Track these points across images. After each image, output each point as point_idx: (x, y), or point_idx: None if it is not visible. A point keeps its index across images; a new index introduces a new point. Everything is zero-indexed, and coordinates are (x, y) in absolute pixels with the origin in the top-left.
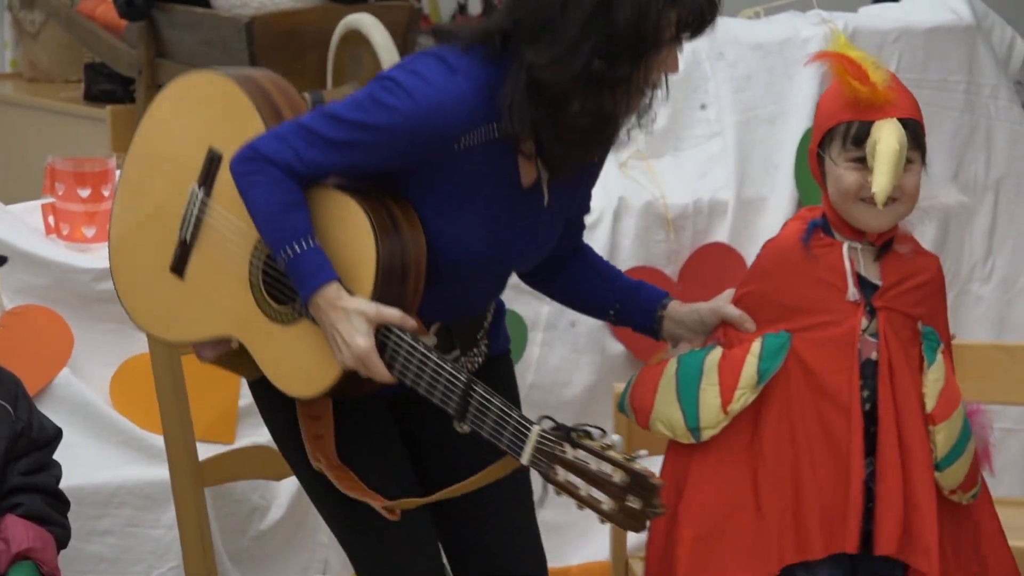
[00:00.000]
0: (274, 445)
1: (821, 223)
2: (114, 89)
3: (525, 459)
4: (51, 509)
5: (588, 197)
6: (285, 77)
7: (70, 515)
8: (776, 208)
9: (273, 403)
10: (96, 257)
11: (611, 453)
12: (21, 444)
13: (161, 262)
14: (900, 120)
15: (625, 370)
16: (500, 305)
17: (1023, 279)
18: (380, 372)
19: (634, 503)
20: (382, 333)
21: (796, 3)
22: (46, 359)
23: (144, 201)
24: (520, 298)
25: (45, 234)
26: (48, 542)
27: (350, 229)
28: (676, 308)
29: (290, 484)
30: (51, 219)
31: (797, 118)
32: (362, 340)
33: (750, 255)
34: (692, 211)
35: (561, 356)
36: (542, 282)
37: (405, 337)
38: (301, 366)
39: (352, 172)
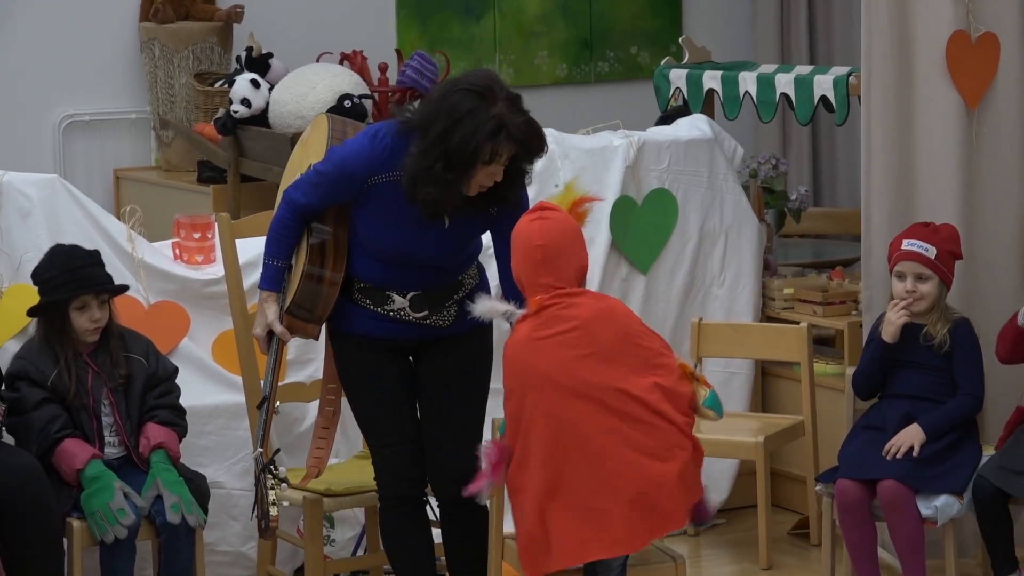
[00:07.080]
0: (307, 382)
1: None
2: (215, 175)
3: (254, 453)
4: (175, 416)
5: (517, 202)
6: None
7: (187, 423)
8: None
9: (344, 357)
10: (204, 272)
11: (273, 485)
12: (153, 381)
13: None
14: None
15: None
16: (481, 284)
17: (741, 285)
18: (262, 350)
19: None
20: (273, 335)
21: (610, 125)
22: (174, 332)
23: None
24: None
25: (173, 259)
26: (173, 438)
27: (298, 263)
28: None
29: (314, 405)
30: (177, 251)
31: (611, 194)
32: (258, 330)
33: None
34: None
35: None
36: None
37: (275, 346)
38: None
39: (325, 204)
